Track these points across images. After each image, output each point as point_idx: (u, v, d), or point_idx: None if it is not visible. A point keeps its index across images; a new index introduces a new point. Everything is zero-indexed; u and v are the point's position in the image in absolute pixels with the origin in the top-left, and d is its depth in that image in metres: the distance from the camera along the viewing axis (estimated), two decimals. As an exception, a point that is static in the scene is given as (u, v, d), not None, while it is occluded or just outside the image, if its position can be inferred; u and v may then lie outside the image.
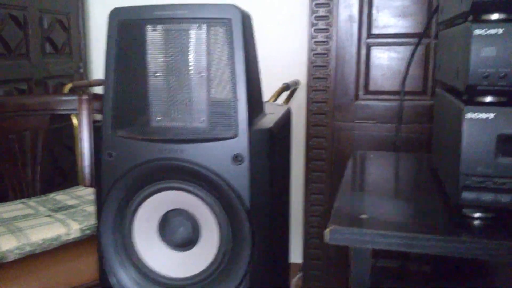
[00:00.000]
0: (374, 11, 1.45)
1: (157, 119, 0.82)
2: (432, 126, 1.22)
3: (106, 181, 0.84)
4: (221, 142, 0.79)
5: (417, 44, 1.24)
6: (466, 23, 0.74)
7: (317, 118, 1.55)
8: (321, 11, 1.48)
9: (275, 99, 1.66)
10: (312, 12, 1.49)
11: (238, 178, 0.79)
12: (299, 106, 1.81)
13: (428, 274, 1.22)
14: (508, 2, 0.70)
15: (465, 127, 0.73)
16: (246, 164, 0.79)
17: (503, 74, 0.71)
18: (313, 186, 1.58)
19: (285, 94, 1.76)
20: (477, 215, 0.76)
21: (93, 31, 2.15)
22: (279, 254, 0.96)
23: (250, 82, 0.80)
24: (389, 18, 1.44)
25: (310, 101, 1.55)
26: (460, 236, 0.70)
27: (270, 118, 0.88)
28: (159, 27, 0.80)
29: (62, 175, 2.02)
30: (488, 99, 0.74)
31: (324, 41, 1.49)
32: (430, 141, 1.15)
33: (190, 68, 0.80)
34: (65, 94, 1.77)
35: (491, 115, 0.72)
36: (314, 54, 1.51)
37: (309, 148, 1.57)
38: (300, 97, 1.77)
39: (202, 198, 0.81)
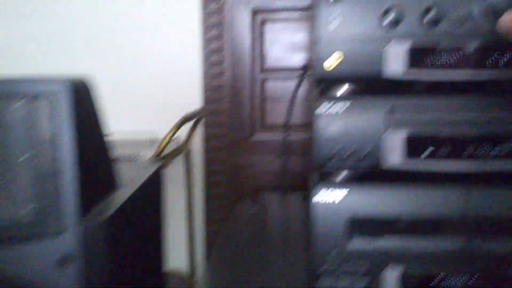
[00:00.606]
0: (266, 45, 1.40)
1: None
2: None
3: None
4: (42, 242, 0.65)
5: (301, 80, 1.20)
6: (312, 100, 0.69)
7: (214, 155, 1.48)
8: (214, 45, 1.41)
9: (174, 133, 1.58)
10: (205, 45, 1.42)
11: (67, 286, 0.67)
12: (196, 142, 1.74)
13: None
14: (350, 78, 0.66)
15: (314, 211, 0.68)
16: (76, 267, 0.67)
17: (349, 152, 0.66)
18: (212, 228, 1.51)
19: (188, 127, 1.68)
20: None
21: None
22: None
23: (86, 163, 0.70)
24: (282, 52, 1.39)
25: (206, 137, 1.48)
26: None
27: (119, 196, 0.79)
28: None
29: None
30: (338, 178, 0.69)
31: (217, 74, 1.42)
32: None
33: (9, 149, 0.69)
34: None
35: (340, 197, 0.67)
36: (207, 90, 1.44)
37: (208, 186, 1.50)
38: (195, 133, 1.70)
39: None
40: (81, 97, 0.72)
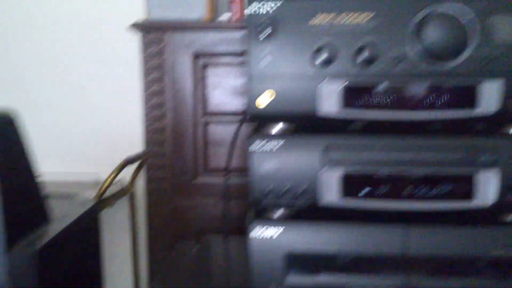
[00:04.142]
0: (208, 89, 1.40)
1: None
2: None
3: None
4: None
5: (241, 123, 1.20)
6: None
7: (157, 197, 1.44)
8: (155, 87, 1.40)
9: (116, 175, 1.54)
10: (146, 87, 1.40)
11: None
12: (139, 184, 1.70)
13: None
14: (284, 116, 0.66)
15: (250, 246, 0.66)
16: None
17: (285, 189, 0.66)
18: (155, 268, 1.45)
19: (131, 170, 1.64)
20: None
21: None
22: None
23: (11, 196, 0.67)
24: (224, 96, 1.40)
25: (148, 179, 1.44)
26: None
27: (50, 230, 0.75)
28: None
29: None
30: (275, 215, 0.68)
31: (159, 117, 1.41)
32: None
33: None
34: None
35: (277, 233, 0.66)
36: (149, 132, 1.42)
37: (151, 227, 1.45)
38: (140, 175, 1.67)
39: None
40: (5, 129, 0.69)
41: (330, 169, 0.67)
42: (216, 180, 1.42)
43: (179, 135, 1.41)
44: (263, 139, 0.66)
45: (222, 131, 1.42)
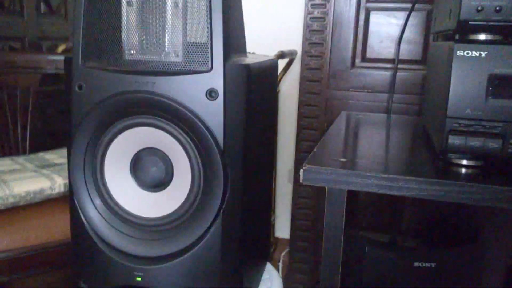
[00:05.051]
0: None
1: (130, 51, 0.78)
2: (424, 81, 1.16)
3: (76, 115, 0.80)
4: (195, 75, 0.74)
5: (411, 9, 1.19)
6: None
7: (310, 86, 1.50)
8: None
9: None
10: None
11: (212, 115, 0.74)
12: (293, 73, 1.76)
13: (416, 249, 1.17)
14: None
15: (454, 65, 0.68)
16: (220, 100, 0.74)
17: (498, 7, 0.66)
18: (302, 156, 1.53)
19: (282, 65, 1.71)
20: (464, 162, 0.72)
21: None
22: (256, 202, 0.91)
23: (229, 17, 0.75)
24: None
25: (304, 68, 1.50)
26: (443, 179, 0.65)
27: (250, 59, 0.83)
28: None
29: (54, 138, 1.98)
30: (481, 37, 0.69)
31: (321, 4, 1.44)
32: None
33: (165, -2, 0.75)
34: (56, 54, 1.73)
35: (483, 54, 0.67)
36: (310, 18, 1.46)
37: (300, 116, 1.52)
38: (295, 63, 1.72)
39: (174, 136, 0.77)
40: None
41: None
42: (373, 71, 1.44)
43: (340, 22, 1.44)
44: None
45: (384, 20, 1.42)
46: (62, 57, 1.56)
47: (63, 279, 1.24)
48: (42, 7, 1.91)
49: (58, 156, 1.45)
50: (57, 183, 1.22)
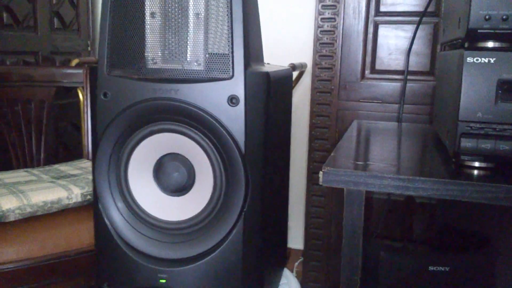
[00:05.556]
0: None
1: (153, 60, 0.82)
2: (435, 89, 1.20)
3: (101, 122, 0.84)
4: (216, 83, 0.78)
5: (419, 22, 1.22)
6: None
7: (321, 97, 1.53)
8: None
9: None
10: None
11: (233, 120, 0.78)
12: (304, 84, 1.80)
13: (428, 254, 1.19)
14: None
15: (465, 72, 0.71)
16: (241, 106, 0.77)
17: (505, 16, 0.69)
18: (315, 166, 1.56)
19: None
20: (476, 164, 0.74)
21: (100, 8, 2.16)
22: (275, 206, 0.94)
23: (249, 26, 0.79)
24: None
25: (315, 79, 1.54)
26: (457, 179, 0.68)
27: (268, 67, 0.87)
28: (157, -33, 0.79)
29: (66, 150, 2.02)
30: (490, 44, 0.72)
31: (331, 18, 1.48)
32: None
33: (188, 9, 0.79)
34: (71, 67, 1.77)
35: (492, 60, 0.70)
36: (320, 31, 1.50)
37: (312, 126, 1.56)
38: (306, 75, 1.76)
39: (196, 141, 0.80)
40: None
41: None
42: (382, 82, 1.47)
43: (349, 35, 1.48)
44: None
45: (392, 33, 1.45)
46: (77, 71, 1.61)
47: (81, 287, 1.26)
48: (56, 22, 1.96)
49: (73, 168, 1.48)
50: (74, 193, 1.24)
